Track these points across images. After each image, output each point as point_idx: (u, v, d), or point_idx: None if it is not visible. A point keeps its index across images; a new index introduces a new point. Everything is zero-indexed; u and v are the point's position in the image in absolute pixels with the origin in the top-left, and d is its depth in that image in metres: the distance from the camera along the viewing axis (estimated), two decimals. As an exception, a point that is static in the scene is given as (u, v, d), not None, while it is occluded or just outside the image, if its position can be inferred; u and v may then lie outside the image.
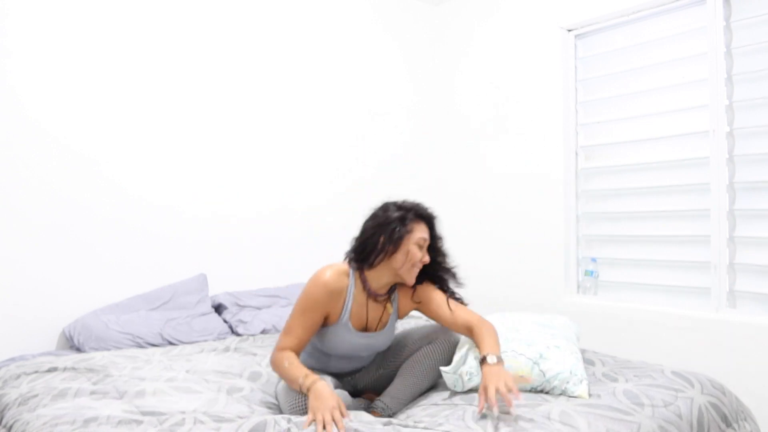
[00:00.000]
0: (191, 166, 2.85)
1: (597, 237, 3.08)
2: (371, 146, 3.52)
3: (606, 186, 3.04)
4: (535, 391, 1.76)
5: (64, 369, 1.99)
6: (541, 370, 1.73)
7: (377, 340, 1.89)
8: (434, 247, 1.89)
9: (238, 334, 2.63)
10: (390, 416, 1.73)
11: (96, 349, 2.30)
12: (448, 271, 1.92)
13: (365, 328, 1.88)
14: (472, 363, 1.74)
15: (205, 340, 2.51)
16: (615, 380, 1.84)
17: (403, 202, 1.90)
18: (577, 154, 3.14)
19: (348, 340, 1.83)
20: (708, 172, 2.62)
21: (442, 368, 1.77)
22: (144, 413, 1.57)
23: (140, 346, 2.38)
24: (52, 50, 2.47)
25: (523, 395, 1.70)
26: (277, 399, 1.79)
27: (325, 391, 1.54)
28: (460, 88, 3.69)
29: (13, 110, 2.38)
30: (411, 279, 1.84)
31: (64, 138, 2.50)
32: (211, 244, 2.90)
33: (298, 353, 1.75)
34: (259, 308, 2.80)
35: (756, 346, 2.40)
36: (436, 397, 1.76)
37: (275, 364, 1.74)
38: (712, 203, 2.60)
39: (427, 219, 1.88)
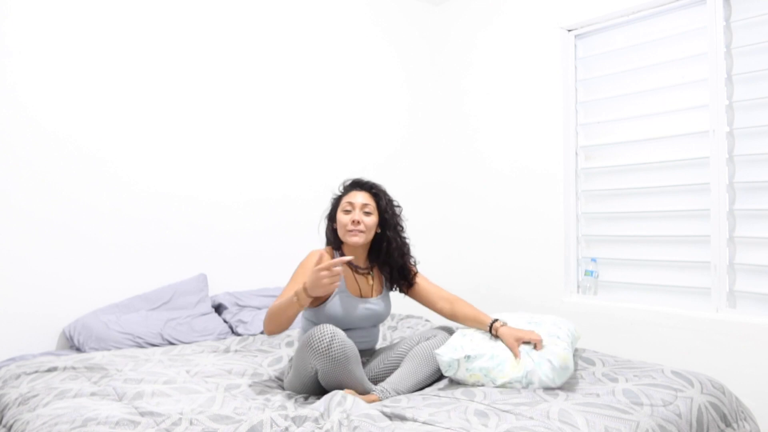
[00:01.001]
0: (192, 166, 2.85)
1: (597, 237, 3.08)
2: (371, 147, 3.52)
3: (606, 186, 3.04)
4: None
5: (64, 369, 1.99)
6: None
7: (374, 305, 2.04)
8: (383, 220, 2.04)
9: (238, 334, 2.63)
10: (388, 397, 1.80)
11: (96, 349, 2.30)
12: (396, 247, 2.05)
13: (361, 297, 2.04)
14: (469, 347, 1.86)
15: (205, 341, 2.51)
16: (615, 380, 1.84)
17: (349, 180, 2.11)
18: (577, 154, 3.14)
19: (349, 306, 1.97)
20: (708, 172, 2.62)
21: (436, 351, 1.88)
22: (142, 414, 1.57)
23: (140, 346, 2.38)
24: (51, 47, 2.47)
25: (523, 393, 1.73)
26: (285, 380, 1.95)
27: (307, 274, 1.77)
28: (459, 88, 3.69)
29: (12, 107, 2.38)
30: (350, 240, 1.99)
31: (64, 136, 2.50)
32: (212, 244, 2.90)
33: None
34: (259, 308, 2.80)
35: (756, 346, 2.40)
36: (438, 389, 1.81)
37: (268, 316, 1.84)
38: (712, 203, 2.60)
39: (360, 186, 2.06)
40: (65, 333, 2.43)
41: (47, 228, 2.45)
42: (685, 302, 2.72)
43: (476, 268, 3.57)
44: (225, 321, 2.72)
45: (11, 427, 1.60)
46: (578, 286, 3.12)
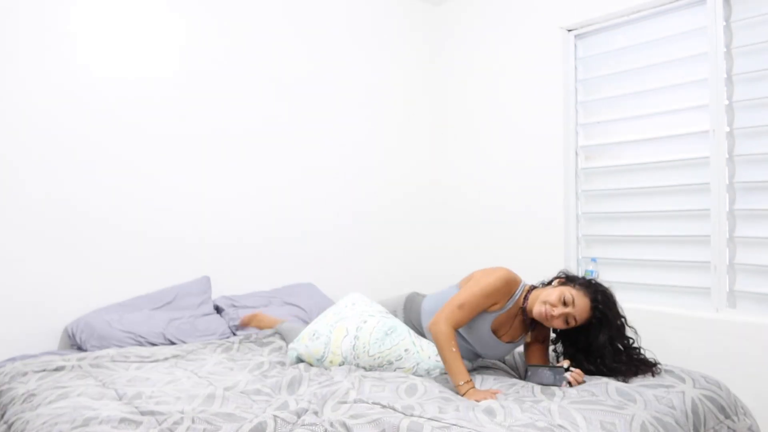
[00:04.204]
0: (195, 169, 2.86)
1: (597, 237, 3.09)
2: (369, 148, 3.53)
3: (606, 186, 3.05)
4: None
5: (72, 368, 2.00)
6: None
7: (504, 349, 2.11)
8: (590, 336, 1.98)
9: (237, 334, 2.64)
10: None
11: (98, 348, 2.31)
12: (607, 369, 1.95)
13: (500, 334, 2.07)
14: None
15: (208, 340, 2.51)
16: (607, 381, 1.87)
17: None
18: (577, 154, 3.14)
19: (482, 340, 2.06)
20: (708, 172, 2.62)
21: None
22: (143, 413, 1.57)
23: (142, 346, 2.38)
24: (48, 50, 2.49)
25: (521, 393, 1.77)
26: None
27: (479, 391, 1.79)
28: (459, 88, 3.70)
29: (14, 110, 2.40)
30: (548, 324, 1.98)
31: (65, 136, 2.51)
32: (215, 249, 2.91)
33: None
34: (255, 308, 2.80)
35: (756, 346, 2.40)
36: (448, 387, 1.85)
37: (442, 338, 1.90)
38: (712, 203, 2.60)
39: (587, 294, 1.96)
40: (67, 331, 2.44)
41: (51, 227, 2.46)
42: (685, 302, 2.72)
43: (476, 267, 3.56)
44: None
45: (12, 424, 1.61)
46: (579, 286, 3.11)
